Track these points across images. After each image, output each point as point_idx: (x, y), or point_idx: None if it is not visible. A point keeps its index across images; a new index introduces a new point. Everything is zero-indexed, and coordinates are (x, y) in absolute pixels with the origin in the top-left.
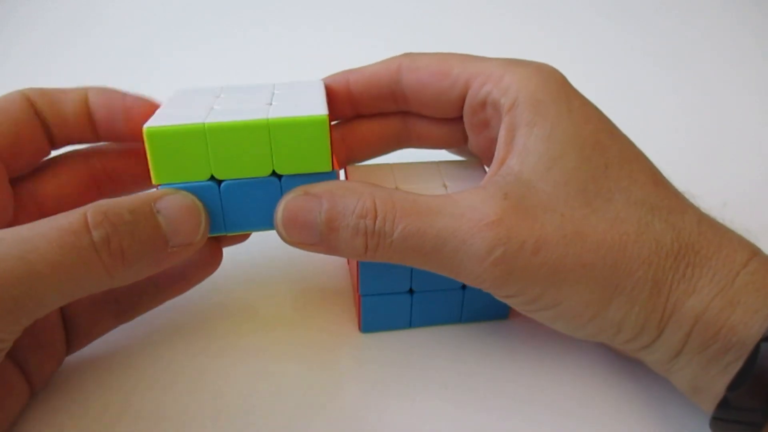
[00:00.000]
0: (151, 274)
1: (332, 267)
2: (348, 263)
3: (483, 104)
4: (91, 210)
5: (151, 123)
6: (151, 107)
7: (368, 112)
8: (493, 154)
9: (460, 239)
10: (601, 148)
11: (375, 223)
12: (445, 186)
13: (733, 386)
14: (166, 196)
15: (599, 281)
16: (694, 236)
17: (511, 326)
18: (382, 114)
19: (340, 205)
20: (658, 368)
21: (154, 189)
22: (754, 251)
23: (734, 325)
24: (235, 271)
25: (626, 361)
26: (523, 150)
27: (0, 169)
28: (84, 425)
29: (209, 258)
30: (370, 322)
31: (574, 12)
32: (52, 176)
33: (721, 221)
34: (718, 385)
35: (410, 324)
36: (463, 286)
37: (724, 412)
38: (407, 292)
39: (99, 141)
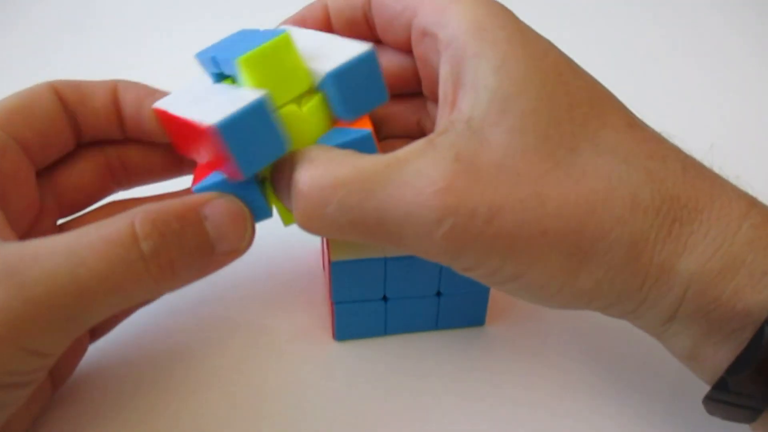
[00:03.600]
0: (195, 281)
1: (308, 273)
2: (323, 268)
3: (423, 34)
4: (139, 219)
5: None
6: None
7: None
8: (437, 93)
9: (405, 211)
10: (564, 84)
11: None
12: None
13: (733, 369)
14: (213, 201)
15: (563, 249)
16: (679, 186)
17: (487, 333)
18: None
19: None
20: (648, 332)
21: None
22: (752, 201)
23: (739, 289)
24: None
25: (609, 366)
26: (472, 87)
27: (28, 165)
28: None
29: None
30: (344, 330)
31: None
32: (70, 167)
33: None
34: (719, 353)
35: (385, 331)
36: (438, 293)
37: (721, 394)
38: (381, 300)
39: (125, 137)
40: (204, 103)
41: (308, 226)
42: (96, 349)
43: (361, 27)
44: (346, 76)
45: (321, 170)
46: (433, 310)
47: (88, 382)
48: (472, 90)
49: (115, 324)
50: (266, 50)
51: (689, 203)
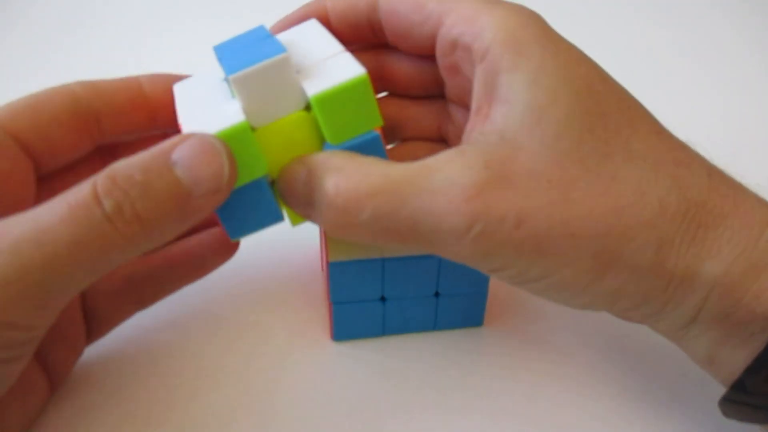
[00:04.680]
0: (184, 230)
1: (306, 272)
2: (322, 268)
3: (454, 46)
4: (101, 177)
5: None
6: None
7: (346, 43)
8: (468, 103)
9: (438, 218)
10: (595, 93)
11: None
12: None
13: (751, 369)
14: (182, 143)
15: (590, 251)
16: (704, 192)
17: (485, 333)
18: (356, 49)
19: (313, 180)
20: (667, 336)
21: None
22: None
23: (760, 292)
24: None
25: (609, 366)
26: (506, 100)
27: (26, 167)
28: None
29: (226, 243)
30: (342, 331)
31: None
32: (67, 170)
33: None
34: (738, 356)
35: (383, 332)
36: (436, 294)
37: (738, 395)
38: (379, 300)
39: (154, 129)
40: (198, 109)
41: (339, 234)
42: (92, 348)
43: (364, 31)
44: (331, 100)
45: (353, 179)
46: (432, 310)
47: (85, 383)
48: (506, 103)
49: (113, 326)
50: (260, 70)
51: (714, 209)
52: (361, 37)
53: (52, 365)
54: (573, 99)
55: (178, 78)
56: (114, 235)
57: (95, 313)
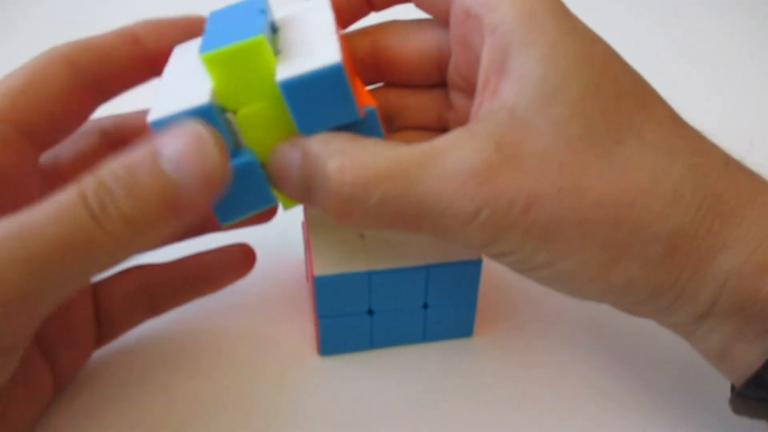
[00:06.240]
0: (184, 227)
1: (292, 284)
2: (307, 279)
3: (466, 15)
4: (88, 176)
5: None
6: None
7: (346, 23)
8: (473, 81)
9: (446, 203)
10: (612, 74)
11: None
12: None
13: None
14: (170, 136)
15: (599, 241)
16: (721, 182)
17: (475, 344)
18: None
19: (312, 164)
20: (677, 330)
21: None
22: None
23: None
24: None
25: (600, 376)
26: (518, 77)
27: (28, 153)
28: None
29: (242, 258)
30: (329, 345)
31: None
32: (72, 151)
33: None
34: (753, 351)
35: (372, 345)
36: (425, 305)
37: (755, 390)
38: (366, 313)
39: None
40: (172, 84)
41: (345, 219)
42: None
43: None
44: (299, 87)
45: (359, 163)
46: (420, 322)
47: (83, 385)
48: (517, 79)
49: (123, 331)
50: (232, 51)
51: (731, 199)
52: (356, 9)
53: (59, 365)
54: (587, 79)
55: (173, 21)
56: (100, 235)
57: (107, 315)
